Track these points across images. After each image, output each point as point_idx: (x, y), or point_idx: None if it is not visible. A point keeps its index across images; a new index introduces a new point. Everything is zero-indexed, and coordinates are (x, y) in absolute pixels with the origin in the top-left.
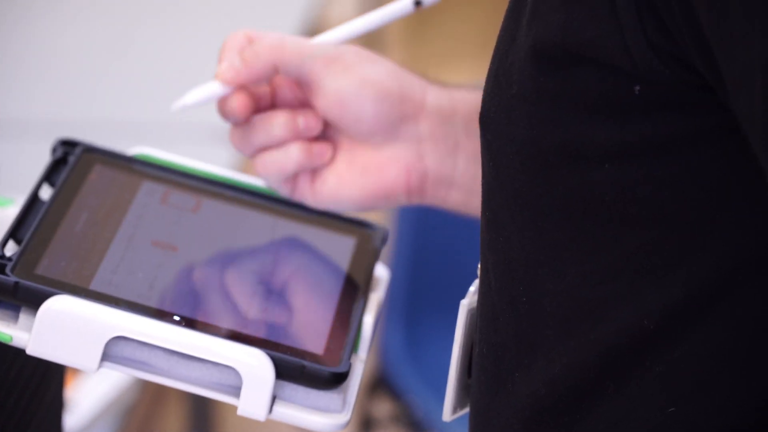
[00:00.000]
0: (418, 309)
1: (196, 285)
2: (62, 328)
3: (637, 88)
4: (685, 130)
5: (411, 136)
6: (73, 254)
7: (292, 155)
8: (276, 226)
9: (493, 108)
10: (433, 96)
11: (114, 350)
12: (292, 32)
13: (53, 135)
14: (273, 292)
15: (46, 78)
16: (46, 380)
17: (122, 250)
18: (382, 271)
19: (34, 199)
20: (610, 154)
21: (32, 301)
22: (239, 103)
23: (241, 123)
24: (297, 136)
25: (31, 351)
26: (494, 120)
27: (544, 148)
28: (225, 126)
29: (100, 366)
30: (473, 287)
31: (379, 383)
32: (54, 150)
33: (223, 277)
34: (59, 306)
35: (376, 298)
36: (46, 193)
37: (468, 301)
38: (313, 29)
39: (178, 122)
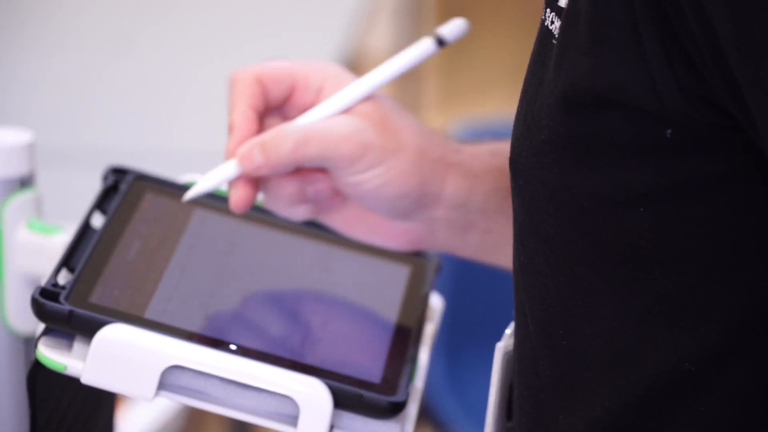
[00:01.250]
0: (460, 338)
1: (251, 313)
2: (118, 357)
3: (669, 131)
4: (719, 171)
5: (424, 218)
6: (126, 283)
7: (299, 212)
8: (330, 254)
9: (524, 153)
10: (453, 186)
11: (170, 379)
12: (328, 58)
13: (98, 163)
14: (329, 321)
15: (92, 106)
16: (98, 408)
17: (176, 278)
18: (436, 301)
19: (86, 227)
20: (643, 197)
21: (87, 329)
22: (245, 199)
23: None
24: (306, 201)
25: (86, 380)
26: (525, 165)
27: (578, 193)
28: None
29: (156, 395)
30: (509, 330)
31: (420, 413)
32: (105, 178)
33: (278, 306)
34: (114, 335)
35: (431, 327)
36: (97, 221)
37: (504, 344)
38: (351, 55)
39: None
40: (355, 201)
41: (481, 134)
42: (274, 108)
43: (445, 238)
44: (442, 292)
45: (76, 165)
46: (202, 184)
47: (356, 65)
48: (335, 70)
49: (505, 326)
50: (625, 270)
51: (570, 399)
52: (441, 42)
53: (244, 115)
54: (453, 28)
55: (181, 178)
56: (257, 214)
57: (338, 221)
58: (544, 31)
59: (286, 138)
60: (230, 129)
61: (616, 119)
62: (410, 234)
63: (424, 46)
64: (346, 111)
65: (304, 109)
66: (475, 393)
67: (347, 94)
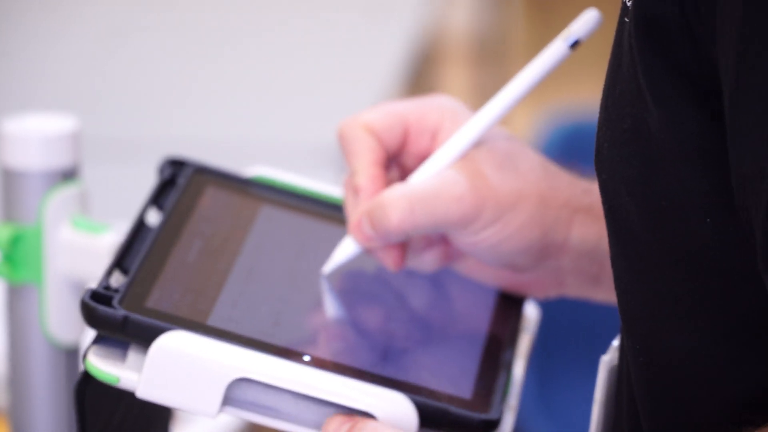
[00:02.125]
0: (553, 350)
1: (326, 321)
2: (178, 369)
3: None
4: None
5: (550, 268)
6: (186, 286)
7: (421, 266)
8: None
9: (606, 144)
10: (579, 233)
11: (236, 393)
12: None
13: (150, 155)
14: (413, 330)
15: (144, 92)
16: (151, 426)
17: (242, 282)
18: (531, 310)
19: (140, 225)
20: (709, 207)
21: (143, 337)
22: (393, 260)
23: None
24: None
25: (141, 394)
26: (608, 158)
27: (658, 191)
28: (336, 148)
29: (220, 410)
30: (616, 341)
31: None
32: (161, 170)
33: (356, 312)
34: (174, 343)
35: (526, 338)
36: (152, 218)
37: (609, 358)
38: (428, 38)
39: (289, 141)
40: (472, 256)
41: (572, 127)
42: (390, 159)
43: (575, 287)
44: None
45: (125, 157)
46: (333, 261)
47: (433, 49)
48: (450, 107)
49: (607, 335)
50: (704, 280)
51: (662, 415)
52: (576, 43)
53: (370, 175)
54: (586, 23)
55: (246, 171)
56: (332, 212)
57: (462, 269)
58: (623, 7)
59: (390, 208)
60: (356, 191)
61: (690, 118)
62: (537, 284)
63: (555, 52)
64: (461, 159)
65: (420, 157)
66: (569, 412)
67: (463, 139)
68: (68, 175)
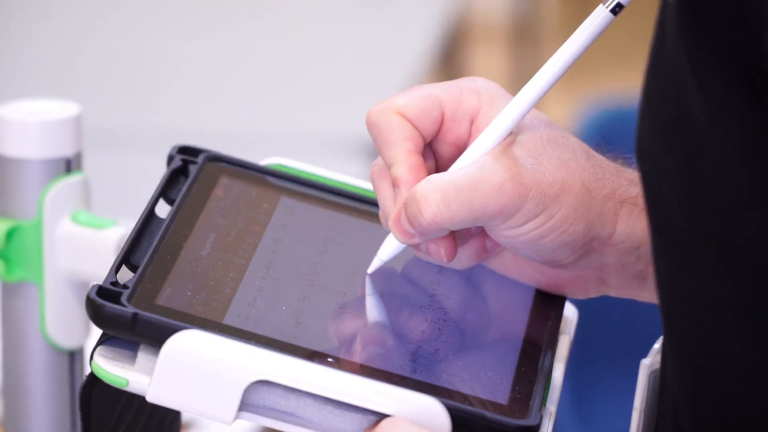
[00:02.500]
0: (588, 352)
1: (351, 320)
2: (191, 371)
3: None
4: None
5: (593, 264)
6: (200, 283)
7: (454, 263)
8: None
9: (647, 133)
10: (625, 226)
11: (254, 397)
12: (430, 25)
13: (156, 144)
14: (446, 330)
15: (150, 80)
16: (163, 430)
17: (259, 278)
18: (570, 310)
19: (149, 217)
20: (757, 201)
21: (154, 336)
22: (444, 252)
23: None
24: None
25: (152, 398)
26: (649, 147)
27: (702, 183)
28: (358, 136)
29: (236, 416)
30: (657, 344)
31: None
32: (171, 159)
33: (384, 311)
34: (188, 343)
35: (565, 341)
36: (162, 210)
37: (650, 361)
38: (456, 20)
39: (309, 132)
40: (511, 250)
41: (611, 115)
42: (425, 146)
43: (619, 286)
44: (574, 300)
45: (131, 146)
46: (379, 258)
47: (463, 30)
48: (488, 90)
49: (647, 337)
50: (756, 279)
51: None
52: (617, 6)
53: (409, 166)
54: None
55: (263, 161)
56: (356, 203)
57: (497, 266)
58: None
59: (423, 202)
60: (395, 184)
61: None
62: (578, 282)
63: (595, 19)
64: (498, 147)
65: (456, 144)
66: (606, 419)
67: (502, 124)
68: (70, 165)
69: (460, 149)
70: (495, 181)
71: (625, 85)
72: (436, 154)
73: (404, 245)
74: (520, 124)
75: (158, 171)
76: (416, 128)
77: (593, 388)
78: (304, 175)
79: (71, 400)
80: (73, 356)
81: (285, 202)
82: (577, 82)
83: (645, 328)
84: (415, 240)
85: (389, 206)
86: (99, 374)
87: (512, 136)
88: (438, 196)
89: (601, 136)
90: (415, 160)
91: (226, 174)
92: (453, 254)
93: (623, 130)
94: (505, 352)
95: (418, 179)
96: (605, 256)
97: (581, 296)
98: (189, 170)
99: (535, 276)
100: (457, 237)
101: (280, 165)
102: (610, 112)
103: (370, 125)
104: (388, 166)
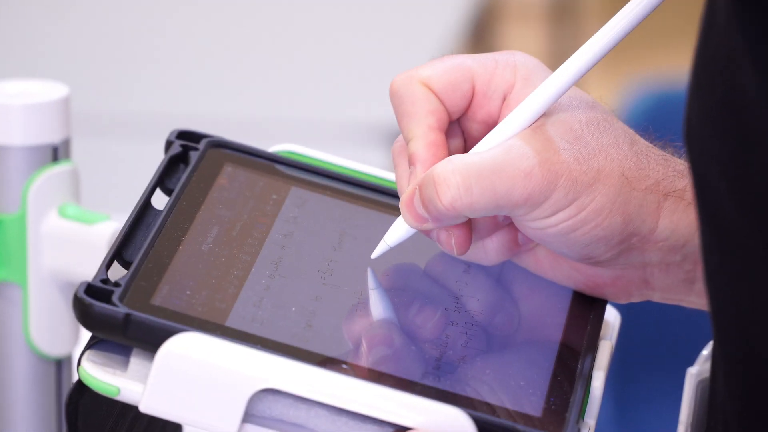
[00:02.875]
0: (632, 360)
1: (368, 323)
2: (190, 378)
3: None
4: None
5: (633, 264)
6: (201, 280)
7: (479, 259)
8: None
9: (696, 117)
10: (669, 222)
11: (259, 408)
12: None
13: (150, 131)
14: (473, 333)
15: (143, 63)
16: None
17: (267, 276)
18: (612, 313)
19: (145, 208)
20: None
21: (148, 340)
22: (455, 243)
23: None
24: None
25: (146, 408)
26: (698, 133)
27: (754, 172)
28: (380, 122)
29: (240, 429)
30: (706, 350)
31: None
32: (169, 145)
33: (405, 313)
34: (186, 347)
35: (606, 347)
36: (159, 201)
37: (698, 370)
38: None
39: (326, 118)
40: (542, 244)
41: (658, 98)
42: (452, 123)
43: (664, 289)
44: (615, 303)
45: (125, 133)
46: (386, 240)
47: (497, 6)
48: (525, 64)
49: (695, 343)
50: None
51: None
52: None
53: (428, 142)
54: None
55: (271, 148)
56: (374, 195)
57: (530, 264)
58: None
59: (442, 185)
60: (411, 161)
61: None
62: (619, 284)
63: None
64: (530, 128)
65: (486, 123)
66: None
67: (535, 103)
68: (58, 153)
69: (490, 128)
70: (522, 165)
71: (674, 65)
72: (464, 133)
73: (414, 230)
74: (556, 103)
75: (155, 159)
76: (442, 102)
77: (636, 398)
78: (317, 163)
79: (57, 413)
80: (60, 365)
81: (295, 193)
82: (622, 63)
83: (693, 332)
84: (428, 225)
85: (404, 185)
86: (87, 381)
87: (547, 116)
88: (458, 179)
89: (647, 121)
90: (436, 136)
91: (230, 161)
92: (466, 246)
93: (672, 115)
94: (538, 358)
95: (437, 158)
96: (647, 254)
97: (623, 300)
98: (189, 157)
99: (572, 275)
100: (485, 228)
101: (291, 152)
102: (657, 95)
103: (393, 95)
104: (406, 142)
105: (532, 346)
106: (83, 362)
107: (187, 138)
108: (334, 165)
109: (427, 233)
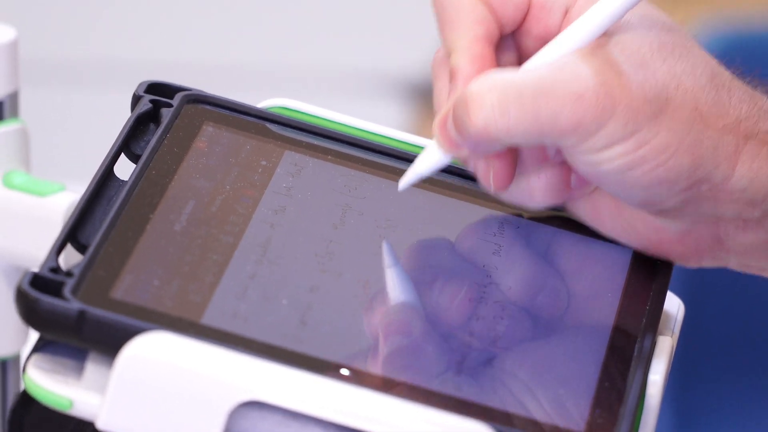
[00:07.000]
0: (697, 361)
1: (377, 318)
2: (157, 388)
3: None
4: None
5: (705, 217)
6: (172, 268)
7: (527, 200)
8: (504, 224)
9: None
10: (749, 169)
11: (242, 424)
12: None
13: (117, 83)
14: (503, 331)
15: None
16: None
17: (253, 262)
18: (674, 303)
19: (106, 178)
20: None
21: (107, 341)
22: (493, 177)
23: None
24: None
25: (104, 424)
26: None
27: None
28: (394, 72)
29: None
30: None
31: None
32: (137, 100)
33: (417, 307)
34: (152, 350)
35: (667, 344)
36: (124, 169)
37: None
38: None
39: (321, 67)
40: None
41: (736, 42)
42: (504, 37)
43: (742, 252)
44: (676, 290)
45: (85, 85)
46: (414, 171)
47: None
48: None
49: None
50: None
51: None
52: None
53: (473, 55)
54: None
55: (261, 103)
56: (385, 159)
57: (587, 212)
58: None
59: (474, 104)
60: (451, 76)
61: None
62: (688, 241)
63: None
64: (590, 45)
65: (545, 40)
66: None
67: (596, 19)
68: (2, 109)
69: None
70: (575, 87)
71: (754, 3)
72: (519, 50)
73: (448, 158)
74: (625, 21)
75: (121, 117)
76: (493, 11)
77: (703, 408)
78: (316, 122)
79: (2, 424)
80: (5, 367)
81: (289, 158)
82: (686, 1)
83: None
84: (462, 152)
85: (441, 103)
86: (34, 392)
87: (611, 35)
88: (493, 99)
89: (725, 63)
90: (482, 49)
91: (210, 120)
92: (507, 182)
93: (750, 59)
94: (582, 360)
95: (482, 73)
96: (720, 206)
97: (693, 263)
98: (161, 115)
99: (634, 228)
100: (532, 163)
101: (284, 107)
102: (732, 37)
103: (435, 1)
104: (448, 54)
105: (575, 346)
106: (29, 369)
107: (159, 92)
108: (336, 123)
109: (463, 162)
